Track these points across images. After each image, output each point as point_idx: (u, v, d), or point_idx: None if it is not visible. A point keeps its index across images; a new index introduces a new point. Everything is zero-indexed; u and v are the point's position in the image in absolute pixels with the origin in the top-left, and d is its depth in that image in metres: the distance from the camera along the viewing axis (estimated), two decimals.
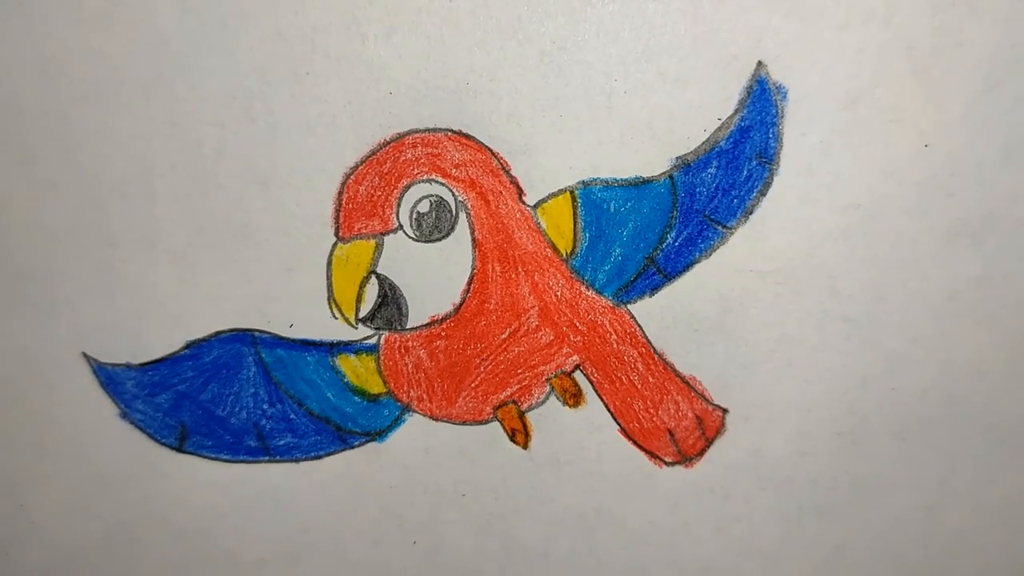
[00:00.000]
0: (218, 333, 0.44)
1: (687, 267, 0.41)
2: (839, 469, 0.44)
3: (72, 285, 0.44)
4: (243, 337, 0.44)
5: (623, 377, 0.43)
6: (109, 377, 0.45)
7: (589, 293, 0.42)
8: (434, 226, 0.41)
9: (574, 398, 0.43)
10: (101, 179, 0.42)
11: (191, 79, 0.40)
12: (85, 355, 0.44)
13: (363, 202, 0.41)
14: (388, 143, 0.41)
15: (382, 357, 0.43)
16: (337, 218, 0.42)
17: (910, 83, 0.38)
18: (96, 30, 0.40)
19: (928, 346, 0.42)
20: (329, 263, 0.42)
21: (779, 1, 0.38)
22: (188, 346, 0.44)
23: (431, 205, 0.41)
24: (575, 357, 0.43)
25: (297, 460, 0.45)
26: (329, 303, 0.43)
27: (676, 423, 0.44)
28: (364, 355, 0.43)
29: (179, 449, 0.46)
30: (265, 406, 0.45)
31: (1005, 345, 0.42)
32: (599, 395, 0.43)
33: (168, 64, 0.40)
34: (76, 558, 0.48)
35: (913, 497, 0.45)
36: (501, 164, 0.41)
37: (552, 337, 0.43)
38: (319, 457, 0.45)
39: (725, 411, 0.44)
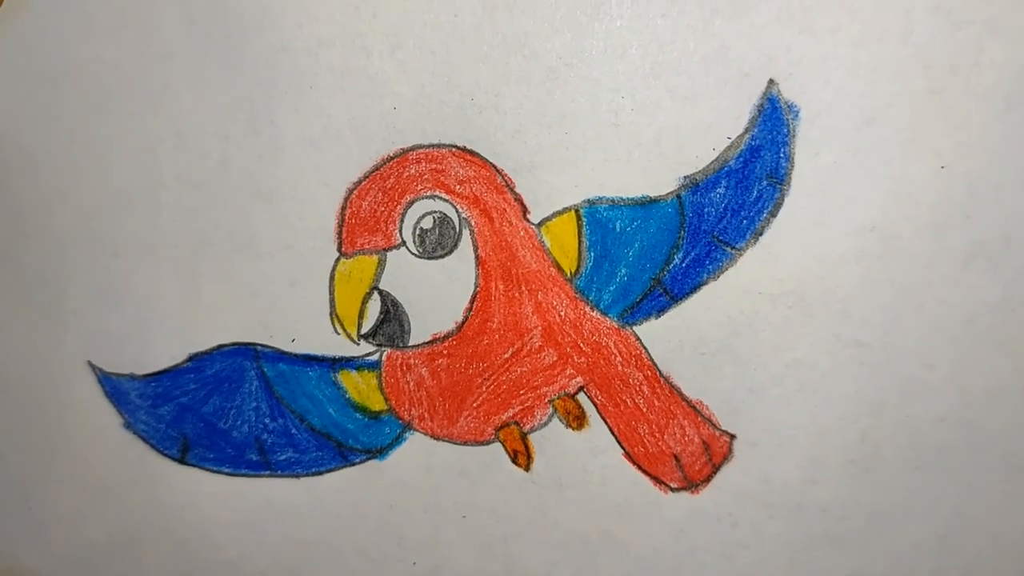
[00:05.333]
0: (220, 346, 0.44)
1: (694, 289, 0.40)
2: (851, 497, 0.43)
3: (78, 294, 0.44)
4: (245, 351, 0.44)
5: (628, 400, 0.42)
6: (114, 387, 0.45)
7: (594, 314, 0.41)
8: (437, 243, 0.41)
9: (577, 420, 0.43)
10: (106, 189, 0.42)
11: (196, 91, 0.41)
12: (91, 364, 0.45)
13: (366, 217, 0.41)
14: (392, 158, 0.40)
15: (384, 374, 0.43)
16: (340, 233, 0.41)
17: (927, 102, 0.37)
18: (103, 41, 0.40)
19: (945, 372, 0.41)
20: (332, 278, 0.42)
21: (792, 18, 0.37)
22: (191, 358, 0.44)
23: (434, 221, 0.41)
24: (579, 379, 0.42)
25: (298, 475, 0.45)
26: (331, 318, 0.42)
27: (682, 448, 0.43)
28: (366, 371, 0.43)
29: (181, 461, 0.46)
30: (267, 420, 0.44)
31: None
32: (603, 418, 0.43)
33: (173, 76, 0.41)
34: (79, 566, 0.48)
35: (927, 527, 0.44)
36: (505, 181, 0.40)
37: (555, 358, 0.42)
38: (320, 473, 0.45)
39: (733, 436, 0.43)
